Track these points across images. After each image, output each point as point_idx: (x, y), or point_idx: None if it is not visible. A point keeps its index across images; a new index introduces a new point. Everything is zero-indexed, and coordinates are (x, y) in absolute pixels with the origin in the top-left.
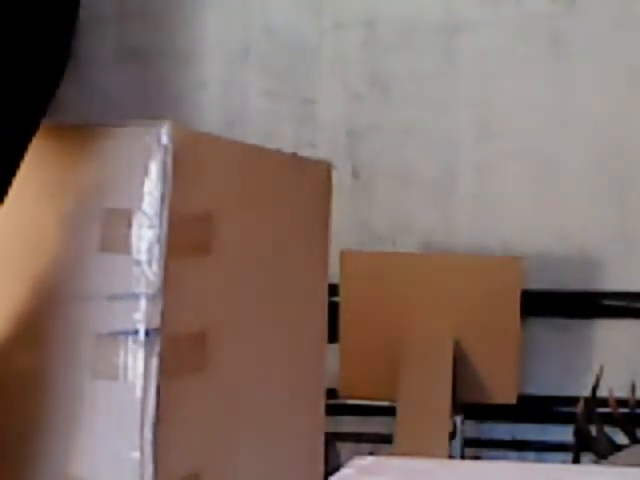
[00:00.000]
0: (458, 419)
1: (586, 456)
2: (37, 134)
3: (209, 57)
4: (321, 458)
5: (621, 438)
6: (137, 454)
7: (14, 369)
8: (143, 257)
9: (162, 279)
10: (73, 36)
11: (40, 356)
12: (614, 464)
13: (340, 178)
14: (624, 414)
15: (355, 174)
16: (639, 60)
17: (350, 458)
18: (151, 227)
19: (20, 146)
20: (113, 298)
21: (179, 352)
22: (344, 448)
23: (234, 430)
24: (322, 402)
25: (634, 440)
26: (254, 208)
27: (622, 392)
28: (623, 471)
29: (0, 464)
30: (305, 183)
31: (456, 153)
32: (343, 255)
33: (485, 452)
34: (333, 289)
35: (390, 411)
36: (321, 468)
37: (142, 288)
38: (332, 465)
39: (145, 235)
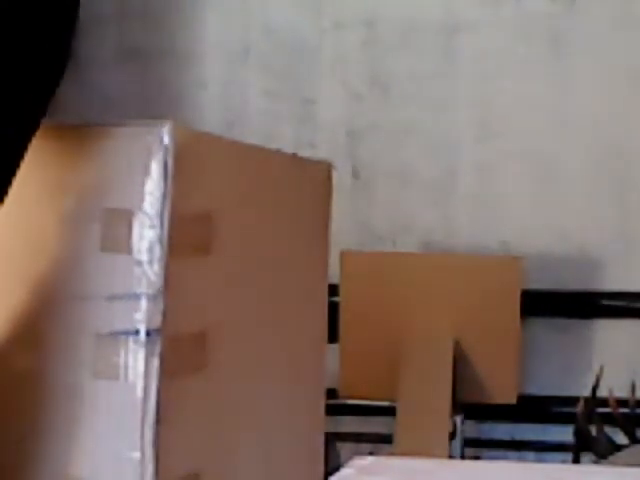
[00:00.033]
0: (458, 419)
1: (586, 456)
2: (37, 134)
3: (209, 57)
4: (321, 458)
5: (621, 438)
6: (137, 454)
7: (14, 369)
8: (144, 257)
9: (163, 279)
10: (73, 36)
11: (41, 356)
12: (614, 464)
13: (340, 178)
14: (624, 414)
15: (355, 174)
16: (639, 60)
17: (350, 458)
18: (152, 227)
19: (20, 146)
20: (114, 298)
21: (180, 352)
22: (344, 448)
23: (234, 430)
24: (322, 402)
25: (634, 440)
26: (254, 208)
27: (622, 392)
28: (623, 471)
29: (1, 464)
30: (305, 183)
31: (456, 153)
32: (343, 255)
33: (485, 452)
34: (333, 289)
35: (390, 411)
36: (321, 468)
37: (143, 288)
38: (332, 465)
39: (146, 235)
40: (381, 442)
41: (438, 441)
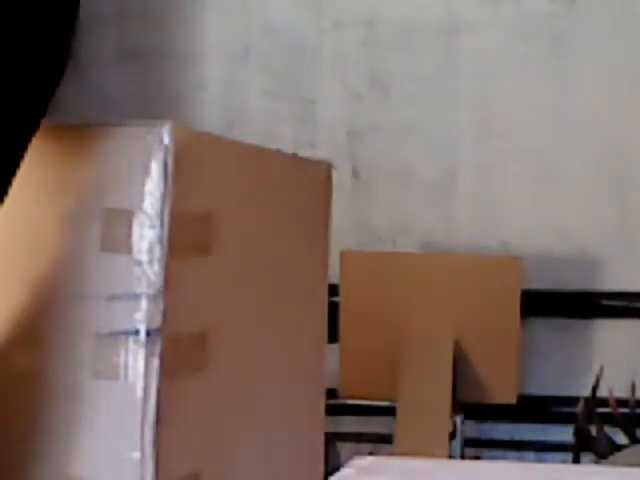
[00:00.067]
0: (458, 419)
1: (586, 456)
2: (37, 134)
3: (209, 57)
4: (321, 458)
5: (621, 438)
6: (138, 454)
7: (15, 369)
8: (144, 257)
9: (163, 279)
10: (73, 36)
11: (40, 356)
12: (614, 464)
13: (340, 178)
14: (624, 414)
15: (355, 174)
16: (639, 60)
17: (350, 458)
18: (152, 227)
19: (20, 146)
20: (114, 298)
21: (180, 352)
22: (344, 448)
23: (234, 430)
24: (322, 402)
25: (634, 440)
26: (254, 208)
27: (622, 392)
28: (623, 471)
29: (1, 464)
30: (305, 183)
31: (456, 153)
32: (343, 255)
33: (485, 452)
34: (333, 289)
35: (390, 411)
36: (321, 468)
37: (143, 288)
38: (332, 465)
39: (146, 235)
40: (381, 442)
41: (438, 441)
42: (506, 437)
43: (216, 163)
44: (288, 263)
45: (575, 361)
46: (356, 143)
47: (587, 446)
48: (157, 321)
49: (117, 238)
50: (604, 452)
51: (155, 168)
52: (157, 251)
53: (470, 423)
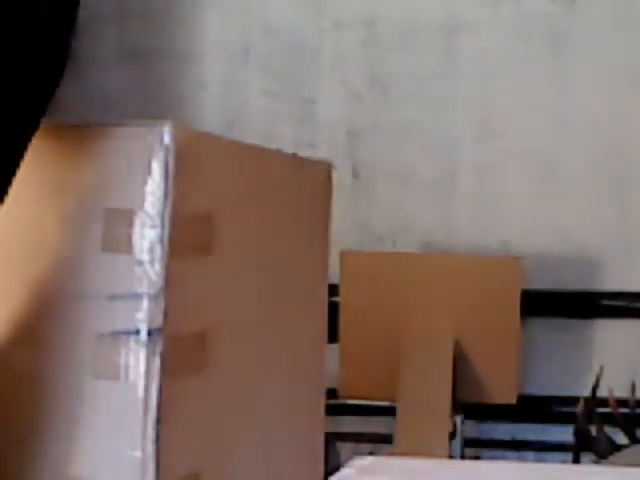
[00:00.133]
0: (458, 419)
1: (586, 456)
2: (37, 134)
3: (209, 57)
4: (321, 458)
5: (621, 438)
6: (139, 454)
7: (15, 369)
8: (145, 257)
9: (164, 279)
10: (73, 36)
11: (41, 356)
12: (614, 464)
13: (340, 178)
14: (624, 414)
15: (355, 174)
16: (639, 60)
17: (350, 458)
18: (153, 227)
19: (20, 146)
20: (115, 298)
21: (180, 352)
22: (344, 448)
23: (234, 430)
24: (322, 402)
25: (634, 440)
26: (254, 208)
27: (622, 392)
28: (623, 471)
29: (1, 464)
30: (305, 183)
31: (456, 153)
32: (343, 255)
33: (485, 452)
34: (333, 289)
35: (390, 411)
36: (321, 468)
37: (144, 288)
38: (332, 465)
39: (147, 235)
40: (381, 442)
41: (438, 441)
42: (506, 437)
43: (216, 163)
44: (288, 263)
45: (575, 361)
46: (356, 143)
47: (587, 446)
48: (158, 321)
49: (118, 238)
50: (604, 452)
51: (156, 168)
52: (158, 251)
53: (470, 423)
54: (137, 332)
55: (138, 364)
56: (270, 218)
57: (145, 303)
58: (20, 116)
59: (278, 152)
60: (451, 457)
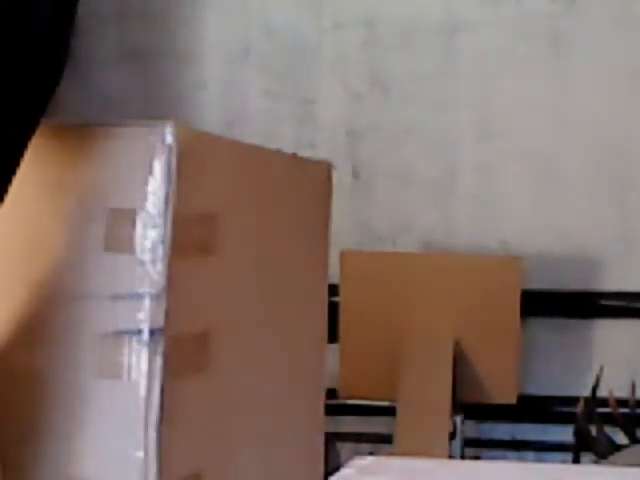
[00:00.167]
0: (458, 419)
1: (586, 456)
2: (38, 133)
3: (209, 57)
4: (321, 458)
5: (621, 438)
6: (141, 454)
7: (16, 369)
8: (147, 257)
9: (166, 279)
10: (72, 35)
11: (43, 356)
12: (614, 464)
13: (340, 178)
14: (624, 414)
15: (355, 174)
16: (639, 60)
17: (350, 458)
18: (155, 227)
19: (20, 145)
20: (117, 298)
21: (182, 352)
22: (344, 448)
23: (235, 430)
24: (322, 402)
25: (634, 440)
26: (255, 208)
27: (622, 392)
28: (623, 471)
29: (3, 464)
30: (305, 183)
31: (456, 153)
32: (343, 255)
33: (485, 452)
34: (333, 289)
35: (390, 411)
36: (321, 468)
37: (146, 288)
38: (332, 465)
39: (149, 235)
40: (381, 442)
41: (438, 441)
42: (506, 437)
43: (217, 163)
44: (288, 263)
45: (575, 361)
46: (356, 143)
47: (587, 446)
48: (160, 320)
49: (120, 238)
50: (604, 452)
51: (158, 168)
52: (160, 251)
53: (470, 423)
54: (139, 332)
55: (140, 364)
56: (270, 218)
57: (147, 303)
58: (20, 116)
59: (278, 152)
60: (451, 457)
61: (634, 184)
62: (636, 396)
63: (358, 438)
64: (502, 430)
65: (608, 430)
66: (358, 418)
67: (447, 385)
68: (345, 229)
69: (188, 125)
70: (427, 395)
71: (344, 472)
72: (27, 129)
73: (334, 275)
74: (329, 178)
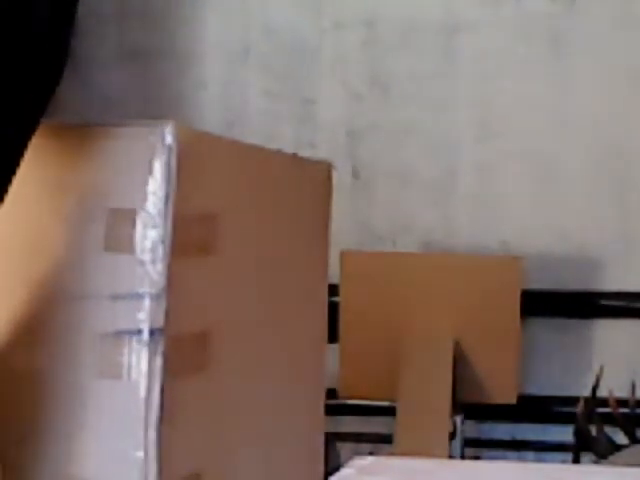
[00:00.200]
0: (458, 419)
1: (586, 456)
2: (38, 133)
3: (209, 57)
4: (321, 458)
5: (621, 438)
6: (141, 454)
7: (16, 369)
8: (147, 257)
9: (166, 279)
10: (72, 35)
11: (43, 356)
12: (614, 464)
13: (340, 178)
14: (624, 414)
15: (355, 174)
16: (639, 60)
17: (350, 458)
18: (155, 227)
19: (20, 145)
20: (117, 298)
21: (182, 352)
22: (344, 448)
23: (234, 430)
24: (322, 402)
25: (634, 440)
26: (255, 208)
27: (622, 392)
28: (623, 471)
29: (3, 464)
30: (305, 183)
31: (456, 153)
32: (343, 255)
33: (485, 452)
34: (333, 289)
35: (390, 411)
36: (321, 468)
37: (146, 288)
38: (332, 465)
39: (149, 235)
40: (381, 442)
41: (438, 441)
42: (506, 437)
43: (217, 163)
44: (288, 263)
45: (575, 361)
46: (356, 143)
47: (587, 446)
48: (160, 320)
49: (120, 238)
50: (604, 452)
51: (158, 168)
52: (160, 251)
53: (470, 423)
54: (139, 332)
55: (140, 364)
56: (270, 218)
57: (147, 303)
58: (20, 116)
59: (278, 152)
60: (451, 457)
61: (634, 184)
62: (636, 396)
63: (358, 438)
64: (502, 430)
65: (608, 430)
66: (358, 418)
67: (447, 385)
68: (345, 229)
69: (188, 125)
70: (427, 395)
71: (344, 472)
72: (27, 129)
73: (334, 275)
74: (329, 178)
